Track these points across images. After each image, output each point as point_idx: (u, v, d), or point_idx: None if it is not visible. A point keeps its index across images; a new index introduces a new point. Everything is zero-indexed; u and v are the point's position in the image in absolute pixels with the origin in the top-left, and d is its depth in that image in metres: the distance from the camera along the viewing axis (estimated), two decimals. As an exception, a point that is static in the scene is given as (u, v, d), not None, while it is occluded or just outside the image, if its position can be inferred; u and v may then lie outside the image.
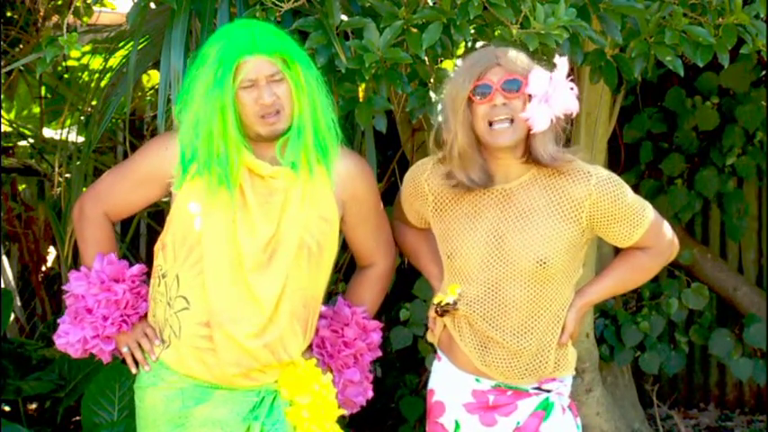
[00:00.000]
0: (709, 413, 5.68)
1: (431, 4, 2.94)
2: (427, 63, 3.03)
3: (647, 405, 5.32)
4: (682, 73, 3.13)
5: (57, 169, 4.74)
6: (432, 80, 3.02)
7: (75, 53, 5.09)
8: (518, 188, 2.68)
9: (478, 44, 3.06)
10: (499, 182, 2.69)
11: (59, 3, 4.76)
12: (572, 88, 2.65)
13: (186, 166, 2.67)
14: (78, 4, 4.25)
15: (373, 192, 2.85)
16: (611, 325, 5.02)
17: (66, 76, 5.30)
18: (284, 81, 2.65)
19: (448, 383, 2.79)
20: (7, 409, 4.58)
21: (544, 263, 2.64)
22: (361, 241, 2.88)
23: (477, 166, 2.65)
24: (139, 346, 2.78)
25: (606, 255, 4.51)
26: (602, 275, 2.84)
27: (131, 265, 2.85)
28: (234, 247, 2.67)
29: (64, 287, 2.87)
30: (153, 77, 5.04)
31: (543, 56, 2.83)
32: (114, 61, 4.11)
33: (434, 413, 2.81)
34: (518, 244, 2.65)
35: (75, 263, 2.92)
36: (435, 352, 2.86)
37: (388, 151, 4.63)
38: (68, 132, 4.60)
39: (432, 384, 2.84)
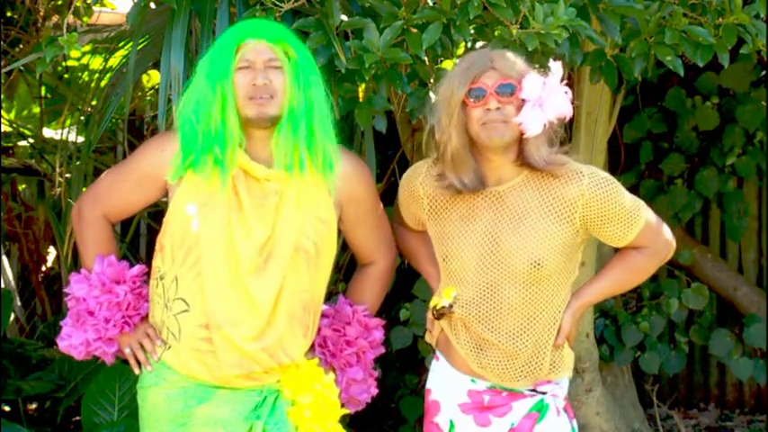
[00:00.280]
0: (709, 413, 5.68)
1: (431, 4, 2.94)
2: (427, 63, 3.03)
3: (647, 405, 5.32)
4: (682, 73, 3.13)
5: (57, 169, 4.73)
6: (432, 80, 3.02)
7: (75, 53, 5.09)
8: (511, 190, 2.68)
9: (478, 44, 3.07)
10: (492, 184, 2.69)
11: (59, 3, 4.76)
12: (566, 92, 2.65)
13: (186, 151, 2.67)
14: (78, 4, 4.24)
15: (371, 191, 2.85)
16: (611, 325, 5.02)
17: (66, 76, 5.30)
18: (281, 70, 2.65)
19: (444, 383, 2.79)
20: (7, 409, 4.58)
21: (539, 264, 2.64)
22: (361, 241, 2.88)
23: (469, 169, 2.65)
24: (141, 346, 2.78)
25: (606, 254, 4.50)
26: (598, 276, 2.84)
27: (132, 265, 2.85)
28: (231, 249, 2.67)
29: (65, 290, 2.87)
30: (153, 77, 5.04)
31: (542, 55, 2.83)
32: (114, 61, 4.11)
33: (431, 412, 2.82)
34: (512, 246, 2.65)
35: (75, 263, 2.92)
36: (435, 352, 2.86)
37: (388, 151, 4.63)
38: (68, 132, 4.60)
39: (429, 384, 2.85)
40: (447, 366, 2.79)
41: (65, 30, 3.05)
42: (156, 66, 3.36)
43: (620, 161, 5.25)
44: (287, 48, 2.67)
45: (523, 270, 2.65)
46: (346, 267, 4.38)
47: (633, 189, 4.88)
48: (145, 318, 2.81)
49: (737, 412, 5.71)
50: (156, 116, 3.14)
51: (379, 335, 2.91)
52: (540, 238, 2.65)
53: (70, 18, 4.31)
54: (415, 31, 2.90)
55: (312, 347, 2.83)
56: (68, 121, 4.67)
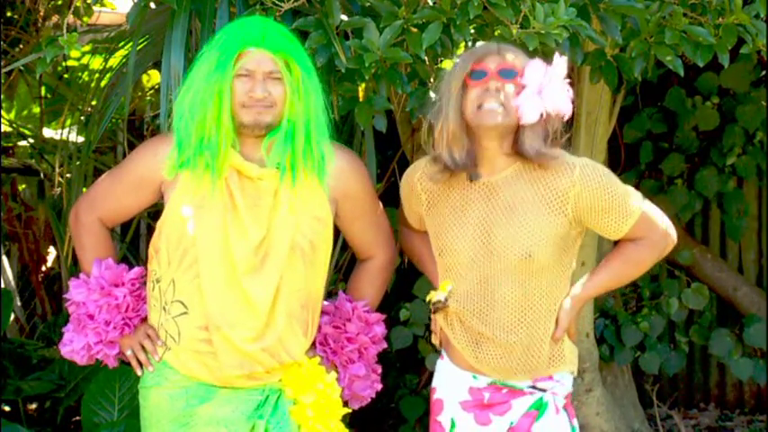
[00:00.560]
0: (709, 413, 5.68)
1: (431, 3, 2.94)
2: (427, 63, 3.03)
3: (647, 405, 5.32)
4: (682, 73, 3.13)
5: (57, 169, 4.74)
6: (432, 80, 3.02)
7: (75, 53, 5.09)
8: (503, 181, 2.68)
9: (478, 44, 3.06)
10: (485, 174, 2.69)
11: (59, 3, 4.76)
12: (568, 89, 2.65)
13: (181, 149, 2.67)
14: (78, 4, 4.24)
15: (366, 187, 2.85)
16: (611, 325, 5.02)
17: (66, 76, 5.30)
18: (281, 81, 2.65)
19: (447, 381, 2.80)
20: (7, 409, 4.58)
21: (530, 256, 2.64)
22: (359, 236, 2.89)
23: (462, 147, 2.65)
24: (143, 347, 2.79)
25: (606, 252, 4.50)
26: (596, 270, 2.82)
27: (131, 266, 2.86)
28: (227, 250, 2.67)
29: (65, 296, 2.87)
30: (153, 77, 5.04)
31: (543, 55, 2.83)
32: (114, 61, 4.11)
33: (434, 411, 2.82)
34: (505, 238, 2.65)
35: (75, 263, 2.92)
36: (436, 351, 2.87)
37: (388, 151, 4.63)
38: (68, 132, 4.60)
39: (434, 382, 2.85)
40: (449, 364, 2.79)
41: (65, 30, 3.05)
42: (156, 66, 3.37)
43: (620, 161, 5.25)
44: (289, 59, 2.66)
45: (516, 262, 2.65)
46: (346, 267, 4.38)
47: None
48: (145, 319, 2.82)
49: (737, 412, 5.71)
50: (156, 116, 3.14)
51: (380, 330, 2.91)
52: (532, 229, 2.64)
53: (70, 18, 4.32)
54: (415, 30, 2.90)
55: (313, 345, 2.83)
56: (68, 121, 4.67)
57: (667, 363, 5.18)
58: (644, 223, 2.72)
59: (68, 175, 4.29)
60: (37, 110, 5.49)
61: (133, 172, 2.78)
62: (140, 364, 2.80)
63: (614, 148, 5.04)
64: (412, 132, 4.23)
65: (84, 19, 4.60)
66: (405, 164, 4.31)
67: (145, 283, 2.83)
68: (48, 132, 5.41)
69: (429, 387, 4.94)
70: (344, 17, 2.99)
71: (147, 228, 5.56)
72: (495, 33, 2.95)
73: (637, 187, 5.21)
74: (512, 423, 2.72)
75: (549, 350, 2.71)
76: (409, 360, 5.09)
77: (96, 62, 4.79)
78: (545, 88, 2.61)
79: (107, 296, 2.78)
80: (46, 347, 4.78)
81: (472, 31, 2.94)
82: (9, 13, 4.89)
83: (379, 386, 2.95)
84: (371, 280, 2.94)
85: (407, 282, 4.89)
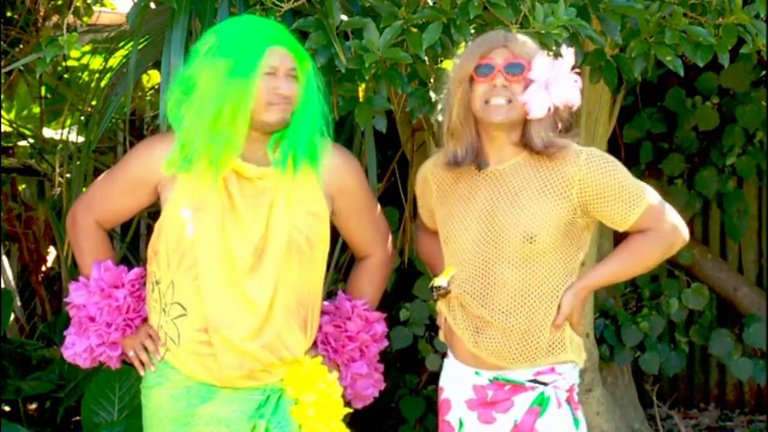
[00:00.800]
0: (709, 413, 5.68)
1: (431, 4, 2.94)
2: (427, 63, 3.03)
3: (647, 405, 5.32)
4: (682, 73, 3.13)
5: (57, 169, 4.74)
6: (432, 80, 3.02)
7: (75, 53, 5.10)
8: (510, 169, 2.69)
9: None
10: (492, 163, 2.70)
11: (59, 3, 4.77)
12: (576, 81, 2.65)
13: (184, 149, 2.66)
14: (78, 4, 4.25)
15: (362, 183, 2.86)
16: (611, 325, 5.02)
17: (66, 76, 5.30)
18: (296, 79, 2.67)
19: (453, 380, 2.79)
20: (7, 409, 4.59)
21: (531, 238, 2.63)
22: (356, 233, 2.90)
23: (464, 143, 2.67)
24: (144, 348, 2.79)
25: (606, 253, 4.50)
26: (603, 260, 2.79)
27: (131, 267, 2.86)
28: (226, 251, 2.67)
29: (65, 299, 2.87)
30: (153, 77, 5.05)
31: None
32: (114, 61, 4.11)
33: (442, 410, 2.82)
34: (507, 221, 2.66)
35: (75, 263, 2.92)
36: (437, 352, 2.86)
37: (388, 151, 4.63)
38: (68, 132, 4.61)
39: (441, 382, 2.85)
40: (454, 361, 2.80)
41: (65, 30, 3.05)
42: (156, 66, 3.36)
43: (620, 161, 5.24)
44: (299, 56, 2.69)
45: (517, 244, 2.64)
46: (346, 267, 4.38)
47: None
48: (146, 319, 2.82)
49: (737, 412, 5.71)
50: (156, 116, 3.14)
51: (380, 328, 2.91)
52: (535, 212, 2.64)
53: (70, 18, 4.33)
54: (415, 30, 2.90)
55: (314, 345, 2.83)
56: (68, 121, 4.68)
57: (667, 363, 5.19)
58: (652, 214, 2.70)
59: (68, 175, 4.30)
60: (37, 110, 5.50)
61: (129, 172, 2.78)
62: (143, 364, 2.80)
63: (614, 148, 5.04)
64: (412, 132, 4.23)
65: (84, 19, 4.61)
66: (405, 164, 4.33)
67: (145, 284, 2.83)
68: (48, 132, 5.41)
69: (429, 387, 4.98)
70: (344, 17, 2.99)
71: (146, 228, 5.56)
72: (495, 33, 2.95)
73: (637, 187, 5.27)
74: (516, 421, 2.71)
75: (548, 337, 2.69)
76: (409, 360, 5.09)
77: (96, 62, 4.79)
78: (552, 83, 2.61)
79: (107, 298, 2.79)
80: (46, 347, 4.78)
81: (472, 31, 2.94)
82: (9, 13, 4.90)
83: (383, 385, 2.95)
84: (370, 278, 2.94)
85: (407, 282, 4.90)
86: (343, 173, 2.79)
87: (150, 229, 2.97)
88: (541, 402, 2.71)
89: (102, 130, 3.64)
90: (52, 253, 5.84)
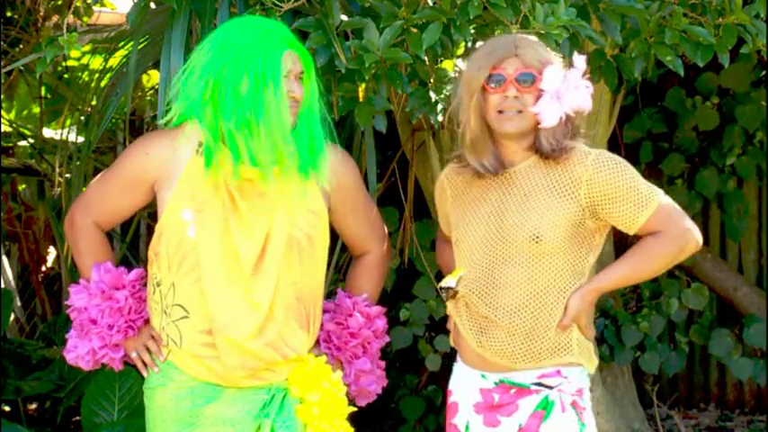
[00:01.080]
0: (709, 413, 5.68)
1: (431, 4, 2.94)
2: (427, 63, 3.03)
3: (647, 405, 5.32)
4: (682, 73, 3.14)
5: (57, 169, 4.73)
6: (432, 80, 3.02)
7: (75, 53, 5.09)
8: (521, 171, 2.71)
9: (478, 44, 3.06)
10: (505, 167, 2.71)
11: (59, 3, 4.76)
12: (587, 86, 2.67)
13: (209, 151, 2.66)
14: (78, 4, 4.25)
15: (357, 180, 2.88)
16: (612, 325, 5.02)
17: (66, 76, 5.30)
18: (302, 82, 2.69)
19: (461, 383, 2.80)
20: (7, 409, 4.59)
21: (538, 238, 2.64)
22: (353, 231, 2.91)
23: (489, 152, 2.69)
24: (147, 349, 2.79)
25: (606, 253, 4.50)
26: (614, 263, 2.79)
27: (130, 268, 2.86)
28: (229, 252, 2.68)
29: (65, 302, 2.87)
30: (153, 77, 5.04)
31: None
32: (114, 61, 4.11)
33: (450, 414, 2.82)
34: (515, 222, 2.66)
35: (75, 263, 2.92)
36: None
37: (388, 151, 4.63)
38: (68, 132, 4.60)
39: (450, 385, 2.85)
40: (461, 364, 2.80)
41: (65, 30, 3.05)
42: (156, 66, 3.36)
43: (621, 161, 5.24)
44: (309, 60, 2.71)
45: (523, 244, 2.65)
46: (346, 267, 4.38)
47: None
48: (148, 320, 2.82)
49: (737, 412, 5.71)
50: (156, 116, 3.13)
51: (381, 323, 2.92)
52: (542, 212, 2.65)
53: (70, 18, 4.33)
54: (415, 30, 2.90)
55: (317, 343, 2.84)
56: (68, 121, 4.67)
57: (667, 363, 5.18)
58: (662, 216, 2.71)
59: (68, 175, 4.29)
60: (37, 110, 5.50)
61: (126, 172, 2.78)
62: (145, 366, 2.80)
63: (614, 148, 5.03)
64: (412, 132, 4.23)
65: (84, 19, 4.61)
66: (405, 164, 4.33)
67: (145, 285, 2.83)
68: (48, 132, 5.41)
69: (429, 387, 4.98)
70: (344, 17, 2.99)
71: (146, 228, 5.56)
72: (496, 33, 2.95)
73: (637, 187, 5.27)
74: (520, 424, 2.70)
75: (554, 338, 2.69)
76: (409, 360, 5.09)
77: (96, 62, 4.79)
78: (564, 94, 2.63)
79: (108, 300, 2.78)
80: (46, 347, 4.78)
81: (472, 31, 2.94)
82: (9, 13, 4.90)
83: (385, 381, 2.96)
84: (369, 275, 2.95)
85: (407, 282, 4.90)
86: (338, 170, 2.80)
87: (150, 230, 2.97)
88: (545, 406, 2.71)
89: (102, 130, 3.64)
90: (52, 253, 5.84)
